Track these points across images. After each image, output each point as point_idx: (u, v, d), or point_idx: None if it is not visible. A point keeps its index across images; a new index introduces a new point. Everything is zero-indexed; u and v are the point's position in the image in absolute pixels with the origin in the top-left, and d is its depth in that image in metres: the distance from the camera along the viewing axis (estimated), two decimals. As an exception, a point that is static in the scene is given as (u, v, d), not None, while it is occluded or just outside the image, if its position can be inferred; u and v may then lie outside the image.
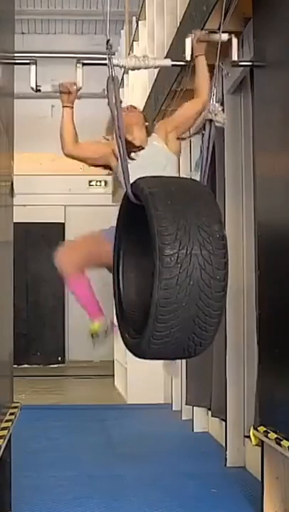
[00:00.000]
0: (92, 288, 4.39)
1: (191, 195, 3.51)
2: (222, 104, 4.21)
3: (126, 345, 3.73)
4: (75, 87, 4.34)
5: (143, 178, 3.64)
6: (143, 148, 4.27)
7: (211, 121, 4.17)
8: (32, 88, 4.61)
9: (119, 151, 3.83)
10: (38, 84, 4.61)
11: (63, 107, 4.33)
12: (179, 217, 3.33)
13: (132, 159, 4.12)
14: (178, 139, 4.36)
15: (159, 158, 4.23)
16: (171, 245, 3.27)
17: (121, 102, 3.96)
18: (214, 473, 5.70)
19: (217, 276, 3.37)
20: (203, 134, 4.23)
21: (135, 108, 4.45)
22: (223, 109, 4.24)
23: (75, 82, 4.40)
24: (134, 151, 4.22)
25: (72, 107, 4.33)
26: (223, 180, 5.97)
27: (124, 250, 3.82)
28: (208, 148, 4.16)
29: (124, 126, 3.91)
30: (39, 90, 4.58)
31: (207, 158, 4.14)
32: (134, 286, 3.77)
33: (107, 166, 4.41)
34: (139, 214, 3.47)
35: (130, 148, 4.14)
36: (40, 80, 4.66)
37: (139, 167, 3.95)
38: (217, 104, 4.20)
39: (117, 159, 4.04)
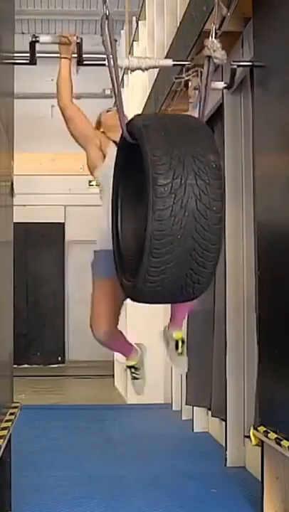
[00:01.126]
0: (122, 335, 4.56)
1: (186, 127, 3.42)
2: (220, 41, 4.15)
3: (124, 289, 3.62)
4: (74, 38, 4.36)
5: (138, 114, 3.59)
6: None
7: (209, 58, 4.09)
8: (32, 40, 4.58)
9: (113, 84, 3.77)
10: (36, 36, 4.60)
11: (62, 58, 4.34)
12: (173, 147, 3.22)
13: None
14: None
15: None
16: (165, 175, 3.16)
17: (115, 40, 3.94)
18: (214, 473, 5.70)
19: (213, 208, 3.24)
20: (201, 72, 4.19)
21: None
22: (222, 47, 4.12)
23: (74, 34, 4.41)
24: None
25: (71, 59, 4.35)
26: (224, 180, 5.97)
27: (122, 196, 3.74)
28: (206, 86, 4.10)
29: (117, 65, 3.88)
30: (37, 41, 4.57)
31: (205, 96, 4.07)
32: (132, 232, 3.64)
33: (84, 148, 4.42)
34: (136, 158, 3.36)
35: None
36: (40, 80, 4.66)
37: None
38: (216, 41, 4.10)
39: (102, 153, 4.09)
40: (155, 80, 8.03)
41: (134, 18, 10.83)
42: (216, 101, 6.01)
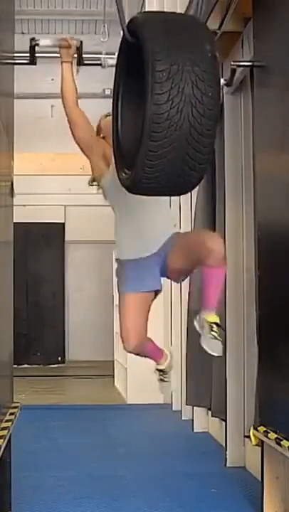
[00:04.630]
0: (152, 342, 4.59)
1: (184, 22, 3.62)
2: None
3: (123, 183, 3.70)
4: (75, 41, 4.42)
5: (139, 13, 3.73)
6: None
7: None
8: (31, 44, 4.58)
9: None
10: (36, 39, 4.62)
11: (63, 62, 4.37)
12: (172, 35, 3.39)
13: None
14: None
15: None
16: (163, 61, 3.31)
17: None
18: (214, 473, 5.70)
19: (209, 93, 3.38)
20: None
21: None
22: None
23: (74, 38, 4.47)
24: None
25: (72, 63, 4.39)
26: (223, 180, 5.97)
27: (122, 95, 3.82)
28: None
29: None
30: (37, 45, 4.59)
31: None
32: (132, 129, 3.70)
33: (87, 156, 4.47)
34: (135, 59, 3.49)
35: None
36: (40, 80, 4.68)
37: None
38: None
39: (106, 163, 4.13)
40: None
41: (134, 18, 10.81)
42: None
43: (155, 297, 4.48)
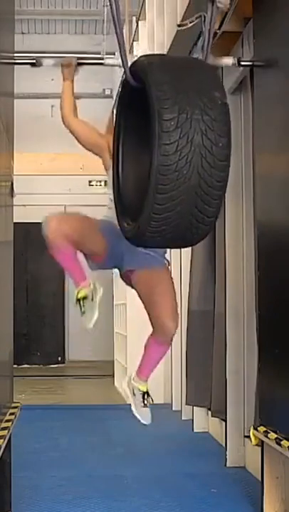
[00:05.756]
0: (77, 255, 4.29)
1: (191, 65, 3.44)
2: None
3: (126, 234, 3.57)
4: (76, 60, 4.44)
5: (143, 55, 3.58)
6: None
7: (212, 1, 4.07)
8: (32, 62, 4.62)
9: (116, 30, 3.78)
10: (38, 57, 4.64)
11: (64, 80, 4.43)
12: (179, 82, 3.22)
13: None
14: (178, 26, 4.39)
15: None
16: (171, 109, 3.14)
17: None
18: (214, 473, 5.70)
19: (219, 143, 3.21)
20: (204, 17, 4.17)
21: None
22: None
23: (76, 56, 4.49)
24: None
25: (73, 81, 4.43)
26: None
27: (124, 140, 3.71)
28: (209, 30, 4.09)
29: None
30: (40, 64, 4.62)
31: (208, 40, 4.08)
32: (134, 175, 3.61)
33: (99, 156, 4.42)
34: (138, 102, 3.36)
35: None
36: (40, 80, 4.69)
37: None
38: None
39: (111, 157, 4.08)
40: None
41: (134, 18, 10.82)
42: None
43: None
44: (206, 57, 4.04)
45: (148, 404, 4.47)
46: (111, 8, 3.80)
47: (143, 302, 4.37)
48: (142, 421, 4.49)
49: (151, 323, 4.32)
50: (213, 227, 3.44)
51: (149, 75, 3.27)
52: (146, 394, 4.47)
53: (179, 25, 4.43)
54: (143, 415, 4.51)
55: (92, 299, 4.21)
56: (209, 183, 3.22)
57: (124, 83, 3.65)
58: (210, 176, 3.21)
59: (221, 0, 4.06)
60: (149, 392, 4.50)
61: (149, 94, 3.20)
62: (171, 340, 4.38)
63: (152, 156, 3.14)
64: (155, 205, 3.20)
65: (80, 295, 4.25)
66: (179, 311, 4.41)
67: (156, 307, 4.27)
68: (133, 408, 4.48)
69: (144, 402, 4.46)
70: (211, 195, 3.26)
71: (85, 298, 4.23)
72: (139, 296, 4.37)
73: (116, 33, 3.86)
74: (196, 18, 4.24)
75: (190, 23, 4.35)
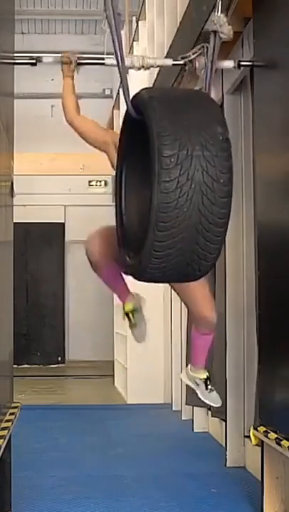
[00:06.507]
0: (119, 271, 4.26)
1: (192, 99, 3.38)
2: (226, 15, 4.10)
3: (127, 269, 3.56)
4: (76, 57, 4.44)
5: (144, 88, 3.56)
6: None
7: (215, 33, 4.06)
8: (32, 62, 4.62)
9: (118, 62, 3.79)
10: (38, 56, 4.64)
11: (65, 77, 4.44)
12: (179, 118, 3.17)
13: None
14: (181, 58, 4.40)
15: None
16: (171, 145, 3.09)
17: (119, 14, 3.94)
18: (214, 473, 5.70)
19: (221, 180, 3.16)
20: (207, 48, 4.15)
21: None
22: (228, 22, 4.09)
23: (76, 52, 4.48)
24: None
25: (73, 77, 4.43)
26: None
27: (126, 174, 3.68)
28: (212, 61, 4.09)
29: (121, 38, 3.91)
30: (40, 61, 4.62)
31: (211, 71, 4.08)
32: (136, 210, 3.57)
33: (104, 152, 4.43)
34: (140, 134, 3.31)
35: None
36: (40, 80, 4.69)
37: None
38: (222, 15, 4.06)
39: (116, 152, 4.07)
40: (155, 80, 8.03)
41: (134, 18, 10.82)
42: (216, 101, 6.01)
43: None
44: (207, 88, 4.01)
45: (212, 388, 4.57)
46: (113, 44, 3.79)
47: (181, 300, 4.50)
48: (213, 404, 4.63)
49: (193, 317, 4.45)
50: (214, 263, 3.39)
51: (149, 110, 3.23)
52: (207, 380, 4.57)
53: (182, 58, 4.43)
54: (212, 399, 4.61)
55: (139, 310, 4.36)
56: (210, 220, 3.18)
57: (127, 114, 3.64)
58: (211, 213, 3.17)
59: (224, 31, 4.04)
60: (210, 377, 4.59)
61: (150, 130, 3.16)
62: (215, 327, 4.48)
63: (152, 193, 3.11)
64: (156, 243, 3.17)
65: (128, 308, 4.37)
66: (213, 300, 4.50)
67: (194, 304, 4.36)
68: (201, 397, 4.58)
69: (207, 387, 4.56)
70: (213, 232, 3.22)
71: (133, 311, 4.36)
72: (177, 294, 4.45)
73: (118, 68, 3.85)
74: (199, 49, 4.22)
75: (193, 54, 4.31)
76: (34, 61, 4.70)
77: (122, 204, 3.65)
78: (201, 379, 4.56)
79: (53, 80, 11.45)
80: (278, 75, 4.32)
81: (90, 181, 13.78)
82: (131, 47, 10.62)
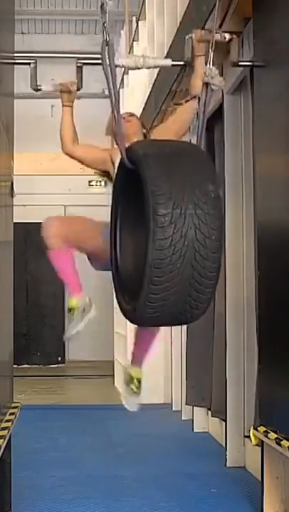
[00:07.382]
0: (75, 264, 4.28)
1: (185, 156, 3.48)
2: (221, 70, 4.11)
3: (123, 312, 3.67)
4: (75, 87, 4.35)
5: (138, 141, 3.62)
6: None
7: (207, 84, 4.10)
8: (32, 88, 4.63)
9: (114, 113, 3.76)
10: (38, 83, 4.63)
11: (63, 106, 4.35)
12: (173, 176, 3.27)
13: None
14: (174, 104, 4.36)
15: None
16: (165, 205, 3.20)
17: (116, 66, 3.91)
18: (214, 473, 5.70)
19: (212, 237, 3.30)
20: (199, 98, 4.18)
21: (133, 115, 4.44)
22: (220, 73, 4.12)
23: (75, 81, 4.42)
24: None
25: (72, 107, 4.35)
26: (223, 180, 5.97)
27: (121, 221, 3.76)
28: (204, 112, 4.11)
29: (118, 93, 3.86)
30: (39, 89, 4.60)
31: (203, 122, 4.08)
32: (131, 256, 3.67)
33: (104, 172, 4.42)
34: (135, 184, 3.40)
35: None
36: (41, 80, 4.68)
37: None
38: (214, 68, 4.09)
39: (114, 166, 4.06)
40: (155, 80, 8.03)
41: (134, 18, 10.82)
42: (216, 101, 6.01)
43: None
44: (198, 141, 4.03)
45: (137, 391, 4.61)
46: (110, 98, 3.77)
47: None
48: (127, 407, 4.66)
49: None
50: (206, 310, 3.52)
51: (144, 166, 3.33)
52: (138, 380, 4.58)
53: (174, 104, 4.45)
54: (130, 401, 4.66)
55: (84, 311, 4.24)
56: (202, 274, 3.32)
57: (121, 163, 3.68)
58: (203, 267, 3.31)
59: (215, 83, 4.10)
60: (141, 380, 4.61)
61: (144, 188, 3.26)
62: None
63: (147, 249, 3.22)
64: (150, 295, 3.30)
65: (73, 304, 4.26)
66: None
67: None
68: (123, 393, 4.65)
69: (132, 386, 4.59)
70: (205, 285, 3.36)
71: (77, 308, 4.24)
72: None
73: (114, 118, 3.81)
74: (192, 98, 4.26)
75: (185, 102, 4.35)
76: (34, 64, 4.69)
77: (117, 249, 3.76)
78: (132, 376, 4.54)
79: (53, 79, 11.44)
80: (278, 75, 4.33)
81: (90, 181, 13.77)
82: (131, 47, 10.63)
